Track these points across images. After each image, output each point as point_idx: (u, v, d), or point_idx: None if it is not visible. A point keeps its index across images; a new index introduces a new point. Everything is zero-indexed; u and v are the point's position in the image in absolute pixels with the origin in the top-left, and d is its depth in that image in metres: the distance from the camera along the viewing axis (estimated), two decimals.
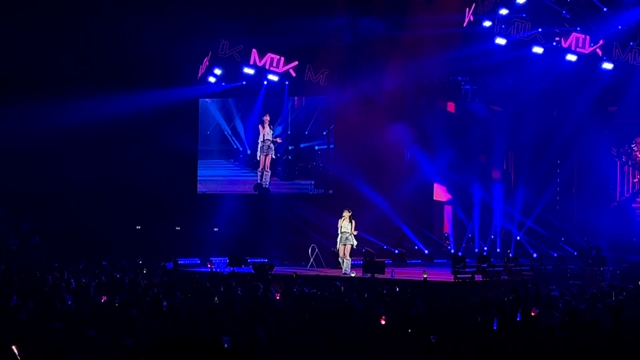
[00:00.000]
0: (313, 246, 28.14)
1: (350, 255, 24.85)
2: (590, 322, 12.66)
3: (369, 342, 11.46)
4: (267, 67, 31.27)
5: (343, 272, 24.40)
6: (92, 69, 31.87)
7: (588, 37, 27.72)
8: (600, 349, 11.37)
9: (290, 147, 33.14)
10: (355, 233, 24.58)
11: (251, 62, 31.33)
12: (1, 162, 31.59)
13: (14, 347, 8.95)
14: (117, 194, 32.87)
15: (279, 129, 33.08)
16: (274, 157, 32.37)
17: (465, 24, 27.79)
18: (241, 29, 31.20)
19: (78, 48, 31.72)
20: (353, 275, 22.82)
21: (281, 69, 31.36)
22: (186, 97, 33.06)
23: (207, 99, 33.98)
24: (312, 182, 32.67)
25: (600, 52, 28.03)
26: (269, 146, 32.29)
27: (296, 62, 31.17)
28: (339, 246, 24.87)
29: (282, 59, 31.33)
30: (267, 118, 32.50)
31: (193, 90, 33.10)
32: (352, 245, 24.79)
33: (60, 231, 32.12)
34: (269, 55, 31.29)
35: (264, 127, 32.51)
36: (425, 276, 22.14)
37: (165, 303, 15.37)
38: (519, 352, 10.72)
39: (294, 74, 31.29)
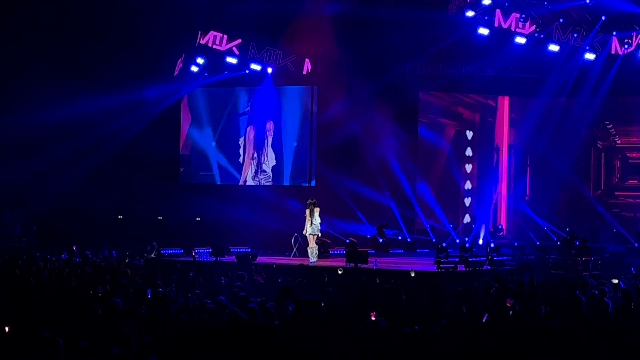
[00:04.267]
0: (296, 236, 28.13)
1: (316, 243, 25.02)
2: (572, 312, 12.75)
3: (353, 333, 11.47)
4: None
5: (310, 261, 24.56)
6: (76, 63, 31.74)
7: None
8: (582, 338, 11.42)
9: (271, 138, 33.42)
10: (317, 222, 24.73)
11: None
12: None
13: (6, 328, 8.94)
14: (98, 183, 32.72)
15: (258, 118, 33.47)
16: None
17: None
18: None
19: (61, 42, 31.65)
20: (340, 272, 22.69)
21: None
22: (170, 87, 33.07)
23: (198, 89, 34.09)
24: (291, 173, 32.97)
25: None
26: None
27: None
28: (308, 236, 25.07)
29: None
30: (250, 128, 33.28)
31: (177, 80, 33.09)
32: (316, 234, 24.88)
33: (42, 220, 31.97)
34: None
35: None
36: (412, 275, 21.64)
37: (150, 292, 15.37)
38: (505, 342, 10.76)
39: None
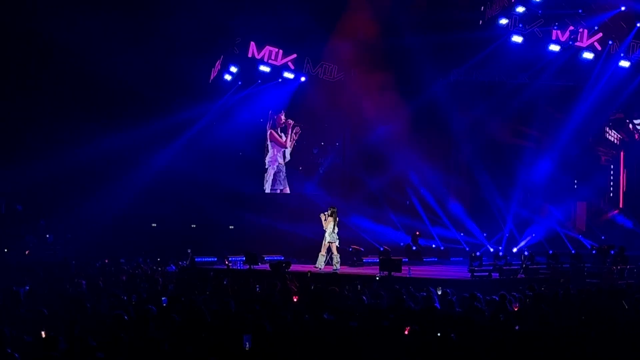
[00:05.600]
0: None
1: (337, 251, 24.95)
2: (606, 320, 12.64)
3: (385, 339, 11.46)
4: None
5: (316, 266, 24.49)
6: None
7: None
8: (616, 346, 11.33)
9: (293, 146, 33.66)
10: (335, 230, 24.68)
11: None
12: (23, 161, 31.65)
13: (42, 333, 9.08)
14: (132, 192, 32.93)
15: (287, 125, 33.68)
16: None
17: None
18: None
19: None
20: (377, 278, 22.62)
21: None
22: (205, 104, 33.45)
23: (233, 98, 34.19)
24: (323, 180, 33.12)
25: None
26: None
27: None
28: (325, 243, 25.00)
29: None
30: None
31: (211, 92, 33.33)
32: (333, 242, 24.80)
33: (76, 228, 32.22)
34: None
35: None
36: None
37: (182, 299, 15.42)
38: (540, 350, 10.70)
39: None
